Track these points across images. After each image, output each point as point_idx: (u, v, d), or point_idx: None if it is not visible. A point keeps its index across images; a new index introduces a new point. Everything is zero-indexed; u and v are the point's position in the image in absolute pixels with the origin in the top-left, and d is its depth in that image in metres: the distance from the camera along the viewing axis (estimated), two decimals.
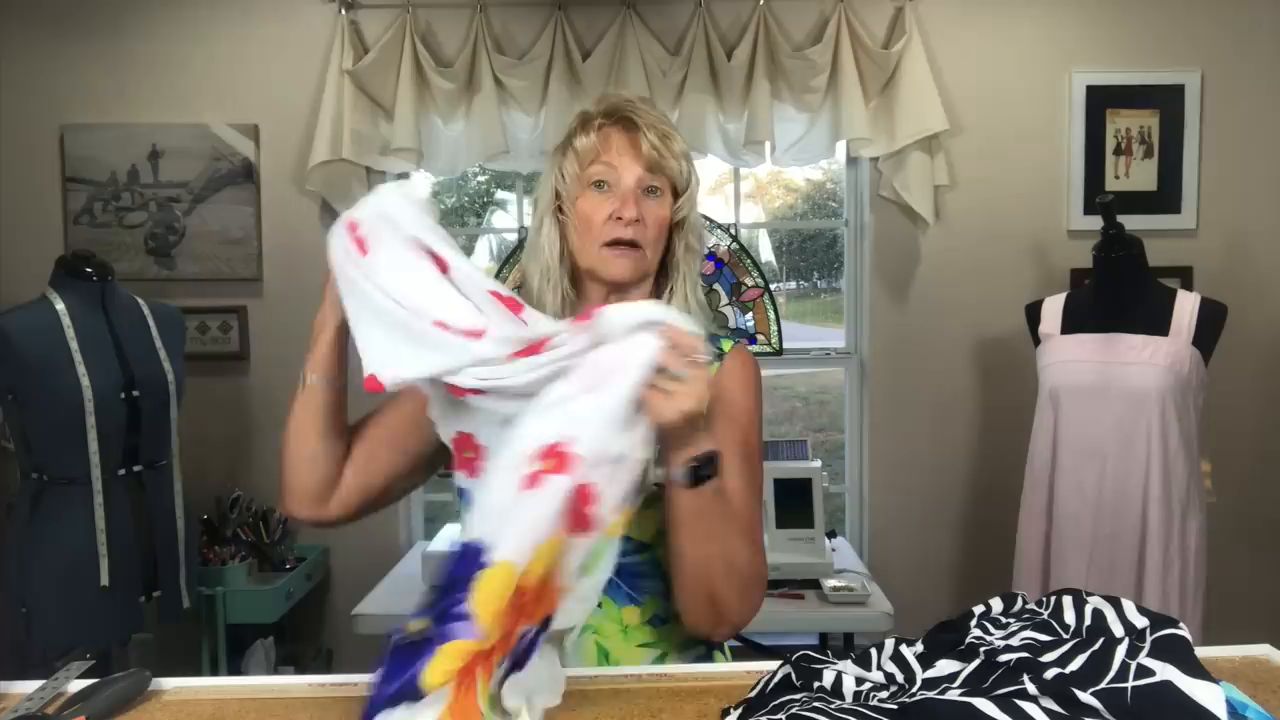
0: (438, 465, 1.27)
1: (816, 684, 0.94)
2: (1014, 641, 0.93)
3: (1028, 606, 1.02)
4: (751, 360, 1.27)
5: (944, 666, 0.93)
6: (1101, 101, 3.05)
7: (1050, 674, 0.84)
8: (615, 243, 1.18)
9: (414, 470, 1.24)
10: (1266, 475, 3.10)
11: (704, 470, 1.02)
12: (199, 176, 3.09)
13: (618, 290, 1.22)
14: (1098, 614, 0.96)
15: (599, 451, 0.89)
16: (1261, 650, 1.13)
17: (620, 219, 1.17)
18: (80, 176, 3.08)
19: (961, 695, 0.85)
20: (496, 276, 3.18)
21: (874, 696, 0.91)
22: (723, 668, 1.12)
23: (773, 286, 3.17)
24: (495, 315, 0.95)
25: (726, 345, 1.28)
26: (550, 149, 1.29)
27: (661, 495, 1.14)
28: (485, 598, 0.82)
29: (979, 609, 1.02)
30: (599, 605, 1.17)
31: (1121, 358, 2.32)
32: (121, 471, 2.39)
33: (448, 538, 2.76)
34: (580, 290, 1.24)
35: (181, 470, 2.58)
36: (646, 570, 1.20)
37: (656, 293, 1.25)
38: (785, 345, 3.15)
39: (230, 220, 3.10)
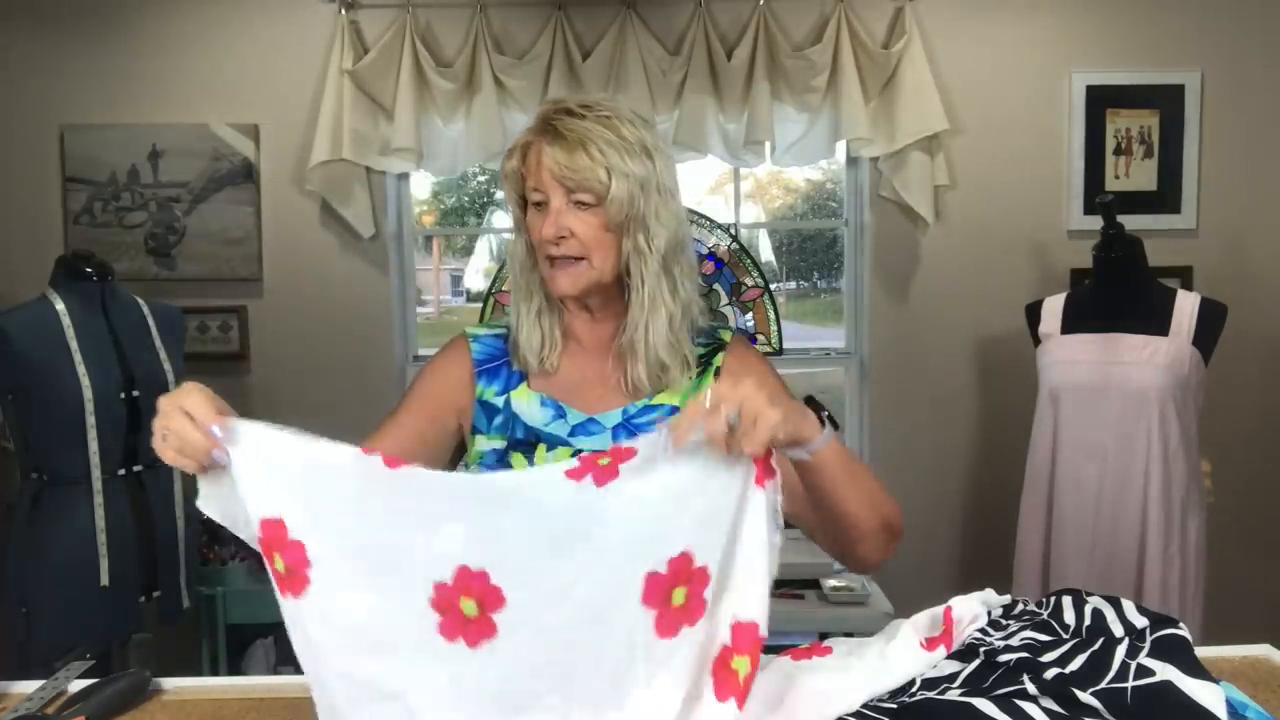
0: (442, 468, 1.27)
1: None
2: (1014, 641, 0.93)
3: (1028, 608, 1.02)
4: (752, 345, 1.33)
5: (944, 666, 0.93)
6: (1101, 101, 3.04)
7: (1050, 674, 0.84)
8: (554, 259, 1.19)
9: None
10: (1266, 475, 3.10)
11: (831, 418, 1.08)
12: (199, 176, 3.09)
13: (577, 300, 1.24)
14: (1098, 614, 0.96)
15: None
16: (1261, 650, 1.14)
17: (545, 239, 1.18)
18: (80, 176, 3.08)
19: (961, 695, 0.85)
20: (496, 276, 3.18)
21: (873, 696, 0.90)
22: None
23: (773, 286, 3.17)
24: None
25: (726, 336, 1.33)
26: None
27: None
28: None
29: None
30: None
31: (1121, 357, 2.32)
32: (121, 471, 2.38)
33: None
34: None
35: (181, 470, 2.57)
36: None
37: (623, 297, 1.24)
38: (785, 345, 3.15)
39: (230, 220, 3.10)
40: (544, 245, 1.18)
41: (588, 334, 1.27)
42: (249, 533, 0.92)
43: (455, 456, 1.30)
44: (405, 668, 0.90)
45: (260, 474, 0.91)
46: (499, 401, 1.25)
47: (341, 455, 0.91)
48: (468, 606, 0.89)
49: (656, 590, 0.88)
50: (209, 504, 0.94)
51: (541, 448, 1.21)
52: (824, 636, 2.77)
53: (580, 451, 1.19)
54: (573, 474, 0.90)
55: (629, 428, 1.23)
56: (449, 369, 1.29)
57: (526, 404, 1.24)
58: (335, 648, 0.91)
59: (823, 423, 1.03)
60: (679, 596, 0.89)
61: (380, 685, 0.90)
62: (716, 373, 1.27)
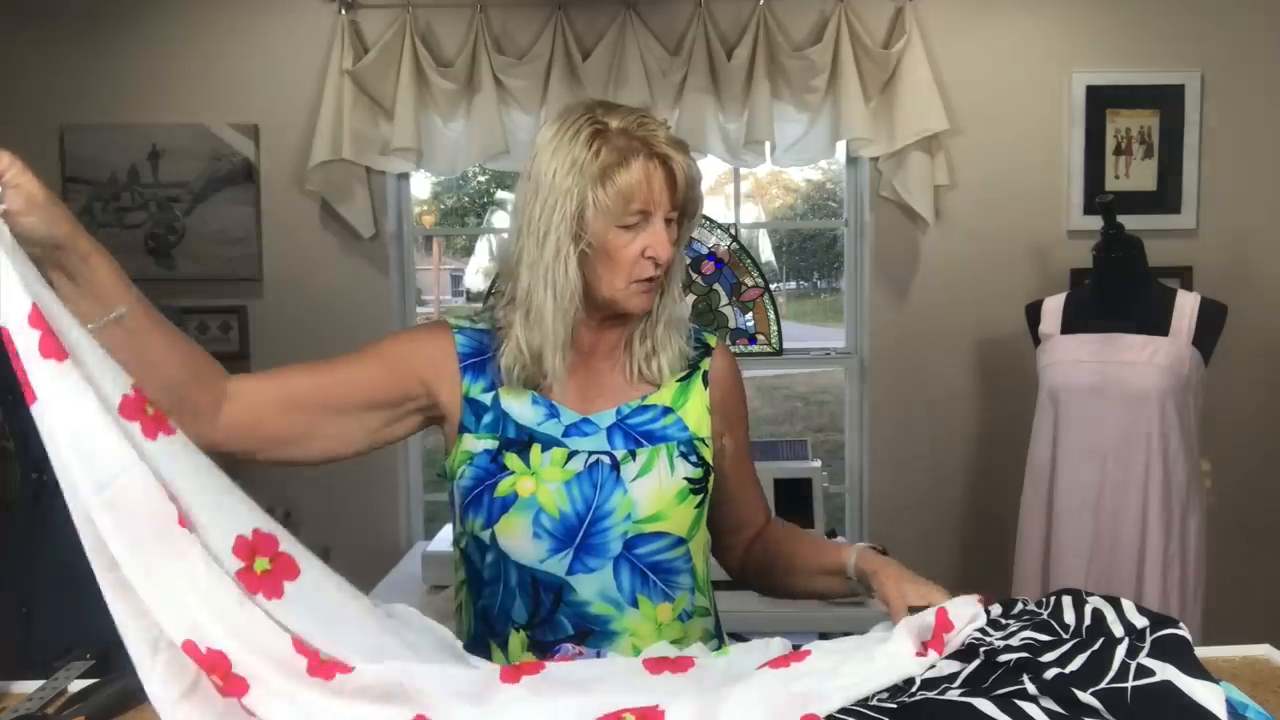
0: (382, 442, 1.23)
1: None
2: (1014, 641, 0.93)
3: (1028, 608, 1.02)
4: (731, 355, 1.34)
5: (944, 666, 0.93)
6: (1101, 101, 3.04)
7: (1050, 674, 0.84)
8: (643, 280, 1.17)
9: (342, 436, 1.19)
10: (1266, 475, 3.10)
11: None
12: (199, 176, 3.09)
13: (630, 317, 1.23)
14: (1097, 614, 0.96)
15: None
16: (1261, 650, 1.14)
17: (656, 259, 1.15)
18: (80, 176, 3.08)
19: (961, 695, 0.85)
20: (497, 276, 3.18)
21: (874, 696, 0.90)
22: None
23: (773, 286, 3.17)
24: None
25: (712, 340, 1.33)
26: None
27: (695, 489, 1.21)
28: None
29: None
30: (635, 606, 1.18)
31: (1121, 358, 2.32)
32: None
33: (448, 538, 2.76)
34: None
35: None
36: (681, 565, 1.23)
37: None
38: (785, 345, 3.15)
39: (230, 220, 3.10)
40: (644, 265, 1.15)
41: (590, 339, 1.24)
42: None
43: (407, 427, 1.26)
44: None
45: None
46: (487, 399, 1.21)
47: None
48: None
49: None
50: None
51: (536, 448, 1.19)
52: (824, 636, 2.78)
53: (576, 454, 1.18)
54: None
55: (623, 428, 1.22)
56: (426, 340, 1.24)
57: (517, 402, 1.21)
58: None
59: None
60: None
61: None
62: (704, 377, 1.28)
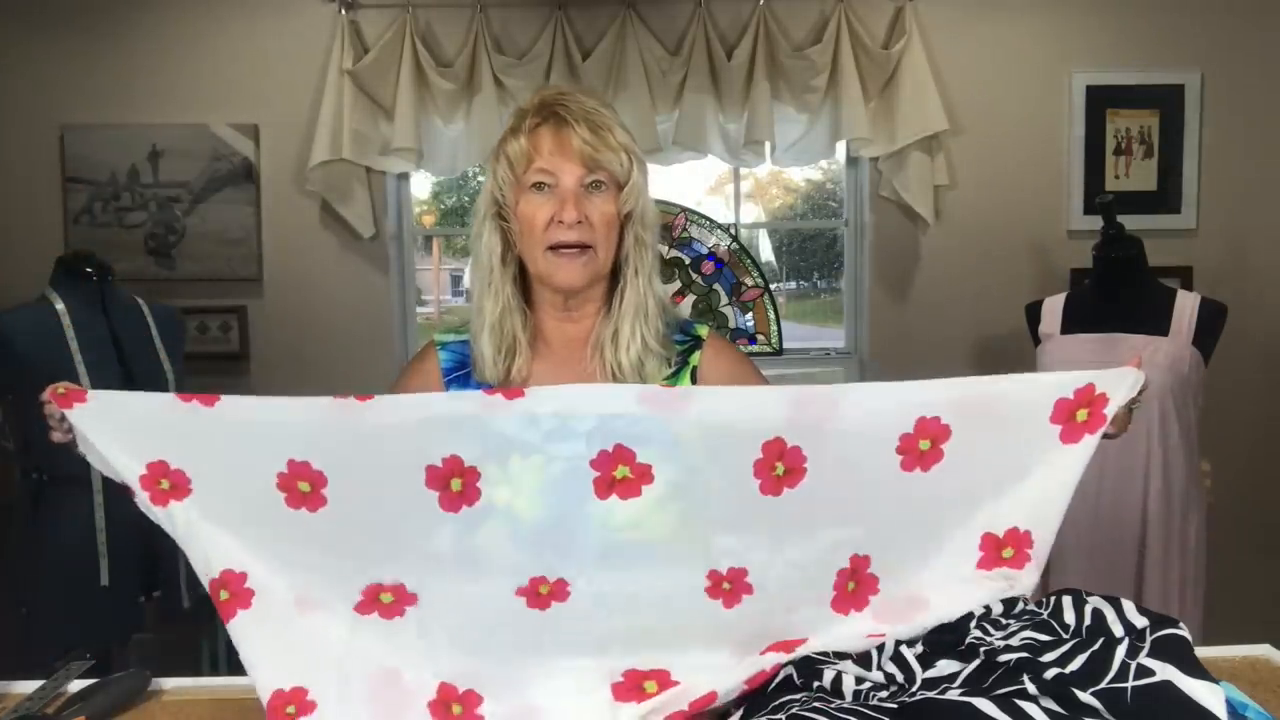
0: None
1: (817, 684, 0.94)
2: (1014, 641, 0.93)
3: (1028, 608, 1.02)
4: (727, 340, 1.31)
5: (944, 666, 0.93)
6: (1101, 101, 3.04)
7: (1050, 674, 0.83)
8: (559, 246, 1.15)
9: None
10: (1266, 475, 3.10)
11: None
12: (199, 176, 3.09)
13: (572, 294, 1.20)
14: (1098, 614, 0.96)
15: None
16: (1261, 650, 1.14)
17: (562, 222, 1.14)
18: (80, 176, 3.08)
19: (961, 695, 0.85)
20: None
21: (874, 696, 0.90)
22: None
23: (773, 286, 3.17)
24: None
25: (703, 331, 1.29)
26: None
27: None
28: None
29: (979, 610, 1.02)
30: None
31: (1121, 358, 2.28)
32: None
33: None
34: (531, 297, 1.22)
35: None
36: None
37: (610, 289, 1.22)
38: (785, 345, 3.15)
39: (230, 220, 3.10)
40: (555, 230, 1.14)
41: (558, 334, 1.23)
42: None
43: None
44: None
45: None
46: None
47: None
48: None
49: None
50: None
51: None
52: None
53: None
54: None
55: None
56: (413, 377, 1.27)
57: None
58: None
59: None
60: None
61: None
62: (693, 371, 1.25)
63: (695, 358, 1.26)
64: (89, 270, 2.40)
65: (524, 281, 1.23)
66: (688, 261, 3.08)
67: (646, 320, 1.20)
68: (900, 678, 0.93)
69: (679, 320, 1.29)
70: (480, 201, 1.21)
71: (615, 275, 1.22)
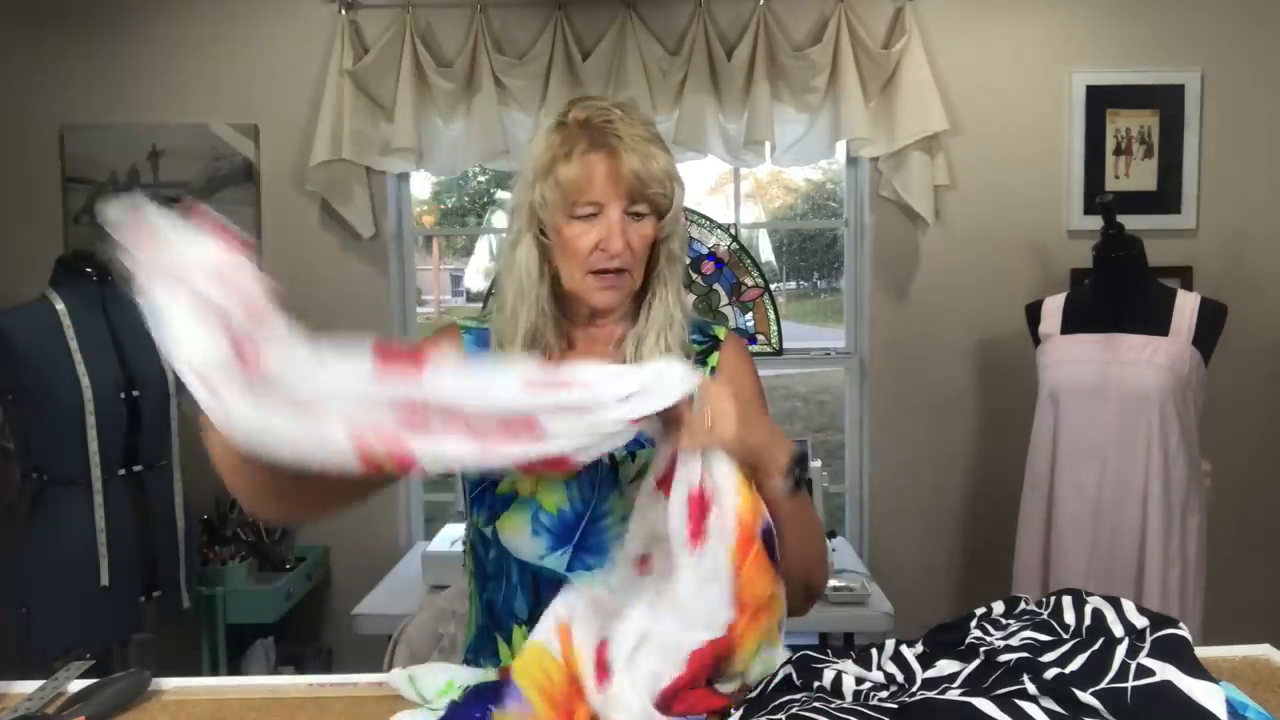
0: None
1: (817, 684, 0.94)
2: (1014, 641, 0.93)
3: (1028, 608, 1.02)
4: (744, 344, 1.33)
5: (944, 666, 0.93)
6: (1101, 101, 3.04)
7: (1050, 674, 0.83)
8: (601, 272, 1.16)
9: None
10: (1266, 475, 3.10)
11: (802, 473, 1.06)
12: (199, 176, 3.09)
13: (599, 314, 1.22)
14: (1098, 614, 0.96)
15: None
16: (1261, 650, 1.13)
17: (605, 250, 1.15)
18: (80, 176, 3.08)
19: (961, 695, 0.85)
20: (496, 276, 3.17)
21: (874, 696, 0.90)
22: None
23: (773, 286, 3.17)
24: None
25: (720, 332, 1.32)
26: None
27: None
28: None
29: (979, 610, 1.02)
30: None
31: (1121, 358, 2.32)
32: (121, 471, 2.39)
33: (448, 538, 2.76)
34: (563, 307, 1.24)
35: (181, 470, 2.58)
36: None
37: (638, 297, 1.24)
38: (785, 345, 3.15)
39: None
40: (598, 257, 1.15)
41: (584, 341, 1.25)
42: None
43: None
44: None
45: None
46: None
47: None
48: None
49: None
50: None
51: None
52: (824, 637, 2.78)
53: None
54: None
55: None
56: (444, 342, 1.27)
57: None
58: None
59: (790, 474, 1.03)
60: None
61: None
62: (712, 371, 1.27)
63: (714, 358, 1.28)
64: (89, 270, 2.40)
65: (555, 293, 1.24)
66: (688, 261, 3.09)
67: (671, 330, 1.23)
68: (900, 678, 0.93)
69: (697, 321, 1.31)
70: (519, 211, 1.20)
71: (643, 285, 1.24)
